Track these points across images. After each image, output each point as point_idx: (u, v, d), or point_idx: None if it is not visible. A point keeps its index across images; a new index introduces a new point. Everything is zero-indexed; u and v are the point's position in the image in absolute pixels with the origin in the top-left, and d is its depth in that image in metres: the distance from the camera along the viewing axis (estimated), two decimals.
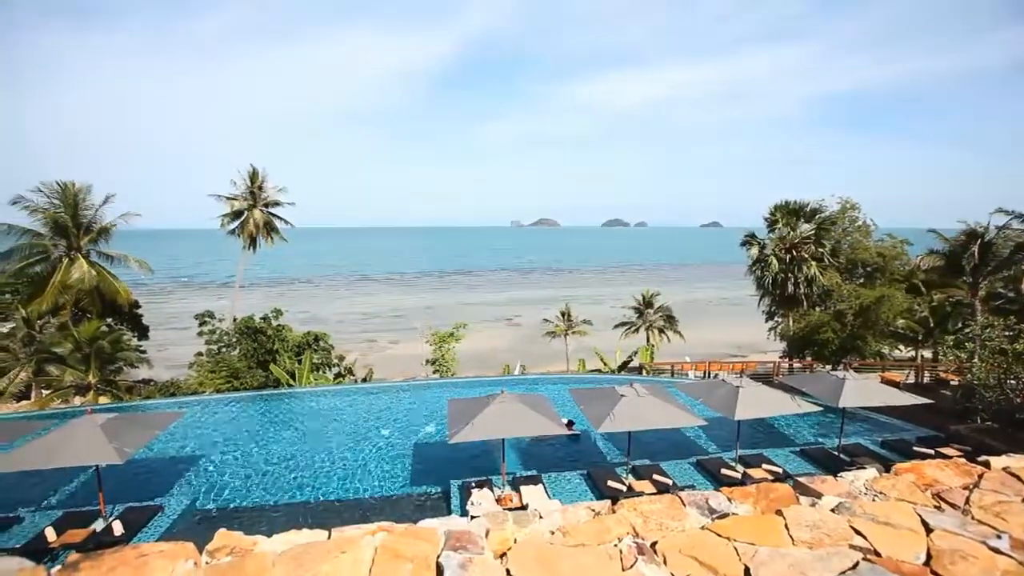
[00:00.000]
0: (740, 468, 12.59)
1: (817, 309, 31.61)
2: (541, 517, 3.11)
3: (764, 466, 12.54)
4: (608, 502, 3.40)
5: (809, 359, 28.18)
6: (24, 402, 25.23)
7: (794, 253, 32.94)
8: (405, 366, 39.00)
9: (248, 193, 39.12)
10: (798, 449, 14.26)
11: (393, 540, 2.72)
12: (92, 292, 28.54)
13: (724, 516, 3.19)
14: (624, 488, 11.55)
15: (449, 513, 10.89)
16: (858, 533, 3.63)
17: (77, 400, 24.33)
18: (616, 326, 42.57)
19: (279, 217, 40.54)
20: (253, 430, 16.73)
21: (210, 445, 15.28)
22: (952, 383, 19.62)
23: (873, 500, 4.23)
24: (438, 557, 2.61)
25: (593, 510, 3.25)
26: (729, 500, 3.29)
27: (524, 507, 10.43)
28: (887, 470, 5.36)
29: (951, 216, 29.61)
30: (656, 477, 11.95)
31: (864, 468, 6.27)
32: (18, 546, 9.58)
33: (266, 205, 39.69)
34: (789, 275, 32.65)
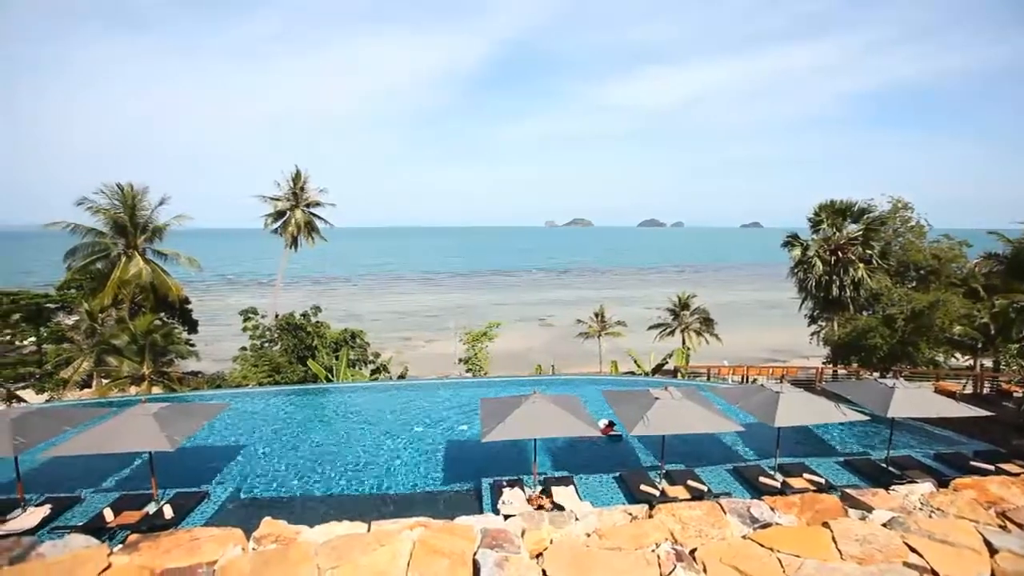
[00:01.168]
0: (779, 477, 12.16)
1: (864, 313, 30.19)
2: (577, 519, 3.09)
3: (805, 475, 12.07)
4: (645, 506, 3.34)
5: (855, 365, 26.96)
6: (86, 390, 26.91)
7: (840, 255, 31.57)
8: (439, 364, 39.52)
9: (291, 194, 40.46)
10: (842, 459, 13.64)
11: (430, 535, 2.76)
12: (147, 288, 30.18)
13: (767, 526, 3.08)
14: (657, 493, 11.34)
15: (480, 511, 10.96)
16: (913, 551, 3.44)
17: (133, 389, 25.76)
18: (650, 328, 41.88)
19: (319, 217, 41.77)
20: (292, 423, 17.30)
21: (252, 436, 15.89)
22: (1015, 394, 18.37)
23: (930, 516, 3.98)
24: (474, 554, 2.63)
25: (630, 514, 3.21)
26: (772, 509, 3.16)
27: (555, 508, 10.41)
28: (943, 485, 5.05)
29: (1007, 217, 27.83)
30: (690, 483, 11.68)
31: (916, 482, 5.93)
32: (80, 524, 10.21)
33: (307, 205, 40.96)
34: (834, 277, 31.31)
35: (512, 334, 52.97)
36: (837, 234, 32.16)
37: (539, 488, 11.53)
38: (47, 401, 23.48)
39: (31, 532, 9.85)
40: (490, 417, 10.99)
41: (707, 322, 40.29)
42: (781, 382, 12.73)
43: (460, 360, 32.90)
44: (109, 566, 2.67)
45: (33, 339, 30.95)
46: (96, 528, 9.82)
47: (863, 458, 13.67)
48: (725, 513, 3.17)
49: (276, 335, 29.73)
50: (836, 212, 32.65)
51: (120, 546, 2.85)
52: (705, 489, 11.47)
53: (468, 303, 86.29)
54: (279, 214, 40.46)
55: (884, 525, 3.27)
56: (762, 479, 11.99)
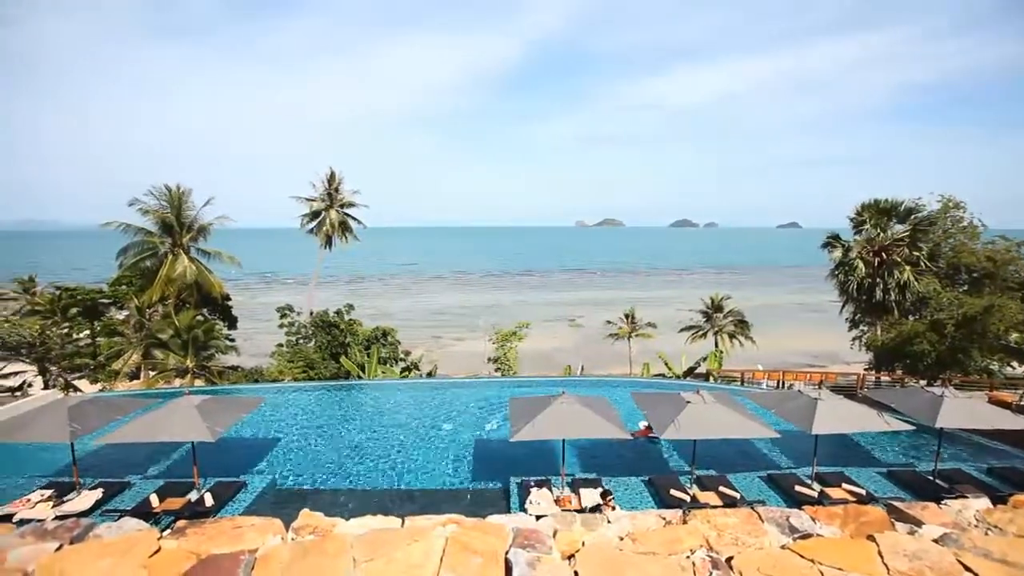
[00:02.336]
0: (816, 486, 11.75)
1: (910, 318, 28.80)
2: (609, 521, 3.06)
3: (844, 486, 11.62)
4: (679, 511, 3.28)
5: (900, 372, 25.76)
6: (135, 381, 28.28)
7: (884, 256, 30.22)
8: (468, 363, 39.79)
9: (326, 195, 41.49)
10: (884, 470, 13.05)
11: (463, 533, 2.79)
12: (191, 285, 31.51)
13: (807, 536, 2.97)
14: (687, 498, 11.13)
15: (508, 510, 10.99)
16: (968, 570, 3.24)
17: (177, 382, 26.93)
18: (682, 330, 41.06)
19: (353, 217, 42.67)
20: (325, 418, 17.76)
21: (287, 429, 16.39)
22: None
23: (986, 534, 3.76)
24: (506, 553, 2.64)
25: (663, 518, 3.15)
26: (813, 520, 3.04)
27: (583, 510, 10.34)
28: (999, 501, 4.76)
29: None
30: (722, 489, 11.41)
31: (968, 497, 5.61)
32: (128, 508, 10.74)
33: (342, 206, 41.90)
34: (877, 280, 29.98)
35: (541, 334, 52.88)
36: (881, 235, 30.77)
37: (567, 489, 11.48)
38: (100, 391, 24.81)
39: (85, 514, 10.44)
40: (519, 417, 11.02)
41: (741, 325, 39.22)
42: (819, 388, 12.29)
43: (489, 359, 33.05)
44: (159, 549, 2.81)
45: (88, 332, 32.78)
46: (143, 512, 10.34)
47: (908, 470, 13.06)
48: (763, 521, 3.07)
49: (311, 332, 30.55)
50: (880, 212, 31.23)
51: (168, 531, 2.99)
52: (737, 496, 11.19)
53: (498, 302, 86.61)
54: (315, 214, 41.54)
55: (935, 541, 3.10)
56: (798, 488, 11.61)
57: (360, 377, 26.01)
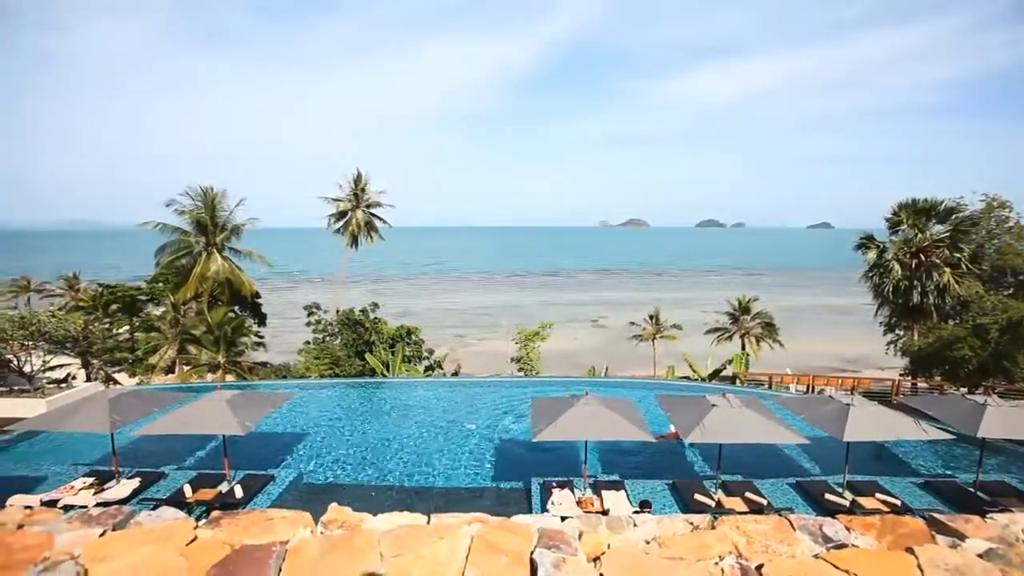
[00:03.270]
0: (848, 495, 11.39)
1: (950, 322, 27.65)
2: (635, 525, 3.03)
3: (877, 495, 11.24)
4: (707, 516, 3.22)
5: (938, 379, 24.77)
6: (170, 376, 29.31)
7: (922, 258, 29.07)
8: (491, 363, 39.93)
9: (352, 195, 42.20)
10: (921, 481, 12.56)
11: (488, 532, 2.81)
12: (224, 283, 32.49)
13: (841, 546, 2.87)
14: (712, 503, 10.94)
15: (529, 510, 11.00)
16: None
17: (209, 376, 27.79)
18: (708, 332, 40.35)
19: (379, 217, 43.29)
20: (350, 414, 18.07)
21: (313, 425, 16.74)
22: None
23: None
24: (531, 553, 2.65)
25: (691, 523, 3.10)
26: (847, 529, 2.95)
27: (605, 512, 10.26)
28: None
29: None
30: (749, 495, 11.17)
31: (1013, 511, 5.34)
32: (164, 497, 11.15)
33: (368, 206, 42.55)
34: (915, 282, 28.85)
35: (564, 334, 52.68)
36: (919, 235, 29.61)
37: (589, 491, 11.42)
38: (138, 384, 25.81)
39: (124, 501, 10.88)
40: (541, 417, 11.00)
41: (769, 327, 38.31)
42: (851, 393, 11.89)
43: (512, 359, 33.09)
44: (195, 538, 2.91)
45: (127, 328, 34.13)
46: (177, 502, 10.69)
47: (947, 481, 12.54)
48: (794, 529, 2.99)
49: (337, 330, 31.11)
50: (918, 211, 30.03)
51: (204, 520, 3.09)
52: (765, 503, 10.95)
53: (521, 302, 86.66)
54: (341, 214, 42.29)
55: (980, 556, 2.96)
56: (828, 496, 11.29)
57: (385, 375, 26.37)
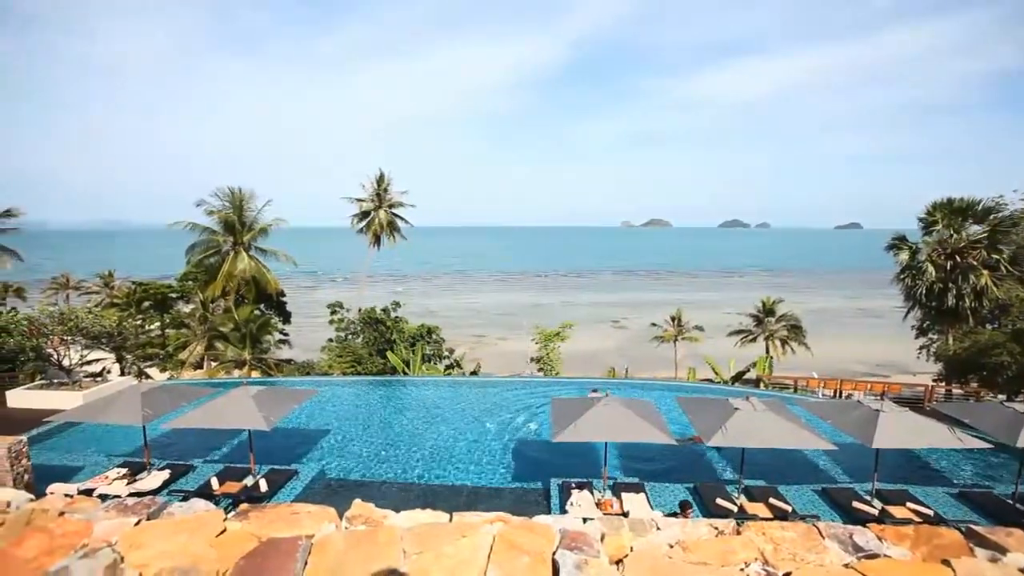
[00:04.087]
0: (877, 504, 11.07)
1: (988, 326, 26.60)
2: (659, 528, 3.00)
3: (909, 505, 10.89)
4: (732, 521, 3.17)
5: (975, 386, 23.86)
6: (199, 371, 30.13)
7: (958, 259, 28.04)
8: (511, 362, 39.98)
9: (375, 195, 42.75)
10: (955, 491, 12.11)
11: (510, 531, 2.81)
12: (250, 281, 33.26)
13: (873, 556, 2.79)
14: (735, 509, 10.75)
15: (548, 510, 10.98)
16: None
17: (236, 372, 28.48)
18: (731, 334, 39.67)
19: (401, 217, 43.75)
20: (371, 412, 18.30)
21: (335, 422, 17.01)
22: None
23: None
24: (554, 554, 2.65)
25: (716, 528, 3.05)
26: (879, 539, 2.85)
27: (625, 514, 10.18)
28: None
29: None
30: (772, 501, 10.95)
31: None
32: (192, 489, 11.47)
33: (390, 206, 43.05)
34: (950, 285, 27.84)
35: (585, 335, 52.39)
36: (955, 236, 28.55)
37: (608, 493, 11.34)
38: (168, 379, 26.59)
39: (154, 492, 11.23)
40: (561, 417, 10.97)
41: (795, 330, 37.45)
42: (881, 399, 11.55)
43: (532, 359, 33.06)
44: (224, 530, 2.99)
45: (158, 324, 35.22)
46: (205, 494, 10.99)
47: (983, 491, 12.07)
48: (823, 537, 2.91)
49: (359, 328, 31.54)
50: (955, 211, 28.95)
51: (233, 513, 3.17)
52: (789, 509, 10.72)
53: (541, 302, 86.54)
54: (364, 214, 42.88)
55: (1022, 571, 2.84)
56: (856, 504, 10.98)
57: (405, 373, 26.63)
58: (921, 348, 31.80)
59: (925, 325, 31.29)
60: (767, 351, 36.55)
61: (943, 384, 26.44)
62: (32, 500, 3.46)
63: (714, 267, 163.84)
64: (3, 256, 35.15)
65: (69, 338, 20.33)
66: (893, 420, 10.53)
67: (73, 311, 21.54)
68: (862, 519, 10.21)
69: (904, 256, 29.81)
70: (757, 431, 10.41)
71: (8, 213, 34.95)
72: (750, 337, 38.33)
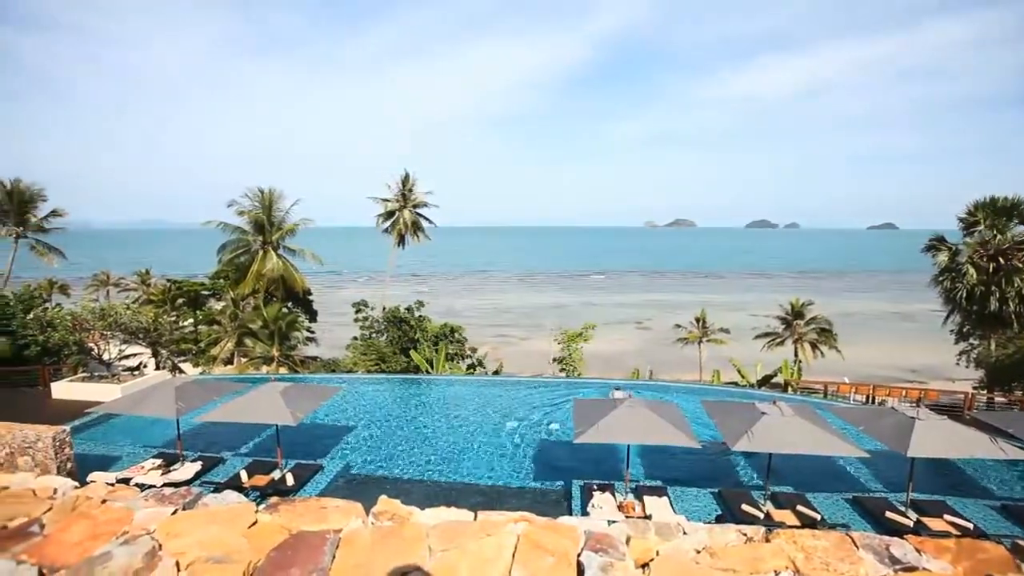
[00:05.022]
0: (912, 514, 10.67)
1: None
2: (685, 532, 2.96)
3: (946, 517, 10.47)
4: (761, 528, 3.10)
5: (1020, 394, 22.82)
6: (229, 367, 31.01)
7: (1001, 261, 26.83)
8: (533, 363, 39.95)
9: (400, 195, 43.29)
10: (997, 504, 11.60)
11: (534, 531, 2.82)
12: (278, 280, 34.09)
13: (911, 569, 2.68)
14: (761, 515, 10.52)
15: (569, 511, 10.94)
16: None
17: (264, 369, 29.20)
18: (757, 336, 38.83)
19: (425, 217, 44.21)
20: (395, 410, 18.53)
21: (359, 418, 17.28)
22: None
23: None
24: (578, 555, 2.64)
25: (744, 534, 3.00)
26: (918, 552, 2.75)
27: (647, 517, 10.06)
28: None
29: None
30: (800, 508, 10.67)
31: None
32: (222, 481, 11.81)
33: (415, 206, 43.53)
34: (992, 288, 26.66)
35: (607, 336, 52.01)
36: (999, 237, 27.33)
37: (630, 495, 11.24)
38: (200, 374, 27.45)
39: (187, 483, 11.60)
40: (583, 418, 10.92)
41: (825, 333, 36.42)
42: (917, 406, 11.13)
43: (554, 359, 32.98)
44: (256, 522, 3.07)
45: (191, 320, 36.40)
46: (235, 486, 11.30)
47: None
48: (858, 548, 2.82)
49: (383, 327, 31.97)
50: (998, 211, 27.70)
51: (264, 505, 3.26)
52: (818, 518, 10.43)
53: (564, 303, 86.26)
54: (389, 214, 43.46)
55: None
56: (890, 515, 10.61)
57: (428, 372, 26.87)
58: (961, 354, 30.55)
59: (965, 330, 30.05)
60: (795, 355, 35.67)
61: (984, 392, 25.38)
62: (77, 487, 3.62)
63: (740, 268, 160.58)
64: (50, 254, 36.87)
65: (109, 333, 21.19)
66: (930, 428, 10.15)
67: (113, 307, 22.43)
68: (896, 530, 9.87)
69: (943, 258, 28.70)
70: (785, 436, 10.17)
71: (54, 213, 36.66)
72: (778, 340, 37.45)
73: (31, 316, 25.11)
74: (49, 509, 3.23)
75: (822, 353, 36.11)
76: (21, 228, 35.20)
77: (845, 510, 11.25)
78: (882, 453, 11.40)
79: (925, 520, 10.37)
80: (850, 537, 2.84)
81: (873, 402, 24.53)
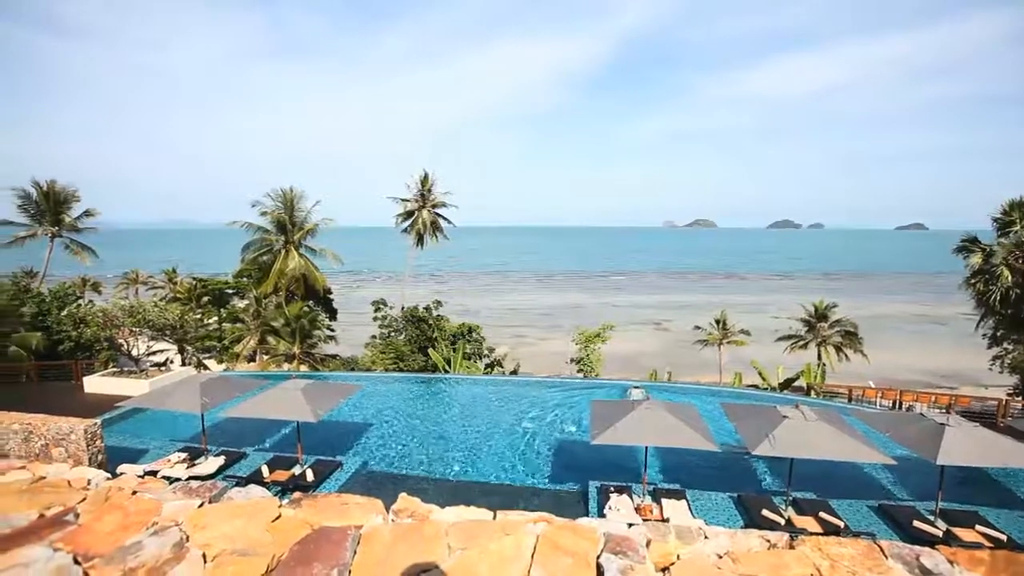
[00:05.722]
0: (941, 524, 10.35)
1: None
2: (706, 537, 2.92)
3: (978, 528, 10.13)
4: (784, 535, 3.04)
5: None
6: (252, 363, 31.63)
7: None
8: (550, 363, 39.90)
9: (419, 195, 43.61)
10: None
11: (553, 532, 2.82)
12: (300, 278, 34.67)
13: None
14: (782, 521, 10.32)
15: (586, 513, 10.88)
16: None
17: (285, 366, 29.72)
18: (779, 339, 38.10)
19: (444, 217, 44.45)
20: (412, 408, 18.68)
21: (378, 416, 17.47)
22: None
23: None
24: (598, 558, 2.63)
25: (767, 540, 2.95)
26: (950, 562, 2.66)
27: (665, 520, 9.96)
28: None
29: None
30: (823, 515, 10.43)
31: None
32: (244, 476, 12.06)
33: (433, 206, 43.80)
34: None
35: (625, 337, 51.61)
36: None
37: (648, 498, 11.13)
38: (224, 370, 28.06)
39: (211, 476, 11.88)
40: (600, 419, 10.85)
41: (850, 336, 35.53)
42: (947, 412, 10.79)
43: (572, 360, 32.87)
44: (279, 516, 3.14)
45: (216, 318, 37.26)
46: (257, 481, 11.53)
47: None
48: (886, 557, 2.74)
49: (401, 326, 32.27)
50: None
51: (287, 500, 3.32)
52: (841, 525, 10.18)
53: (582, 303, 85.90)
54: (408, 214, 43.82)
55: None
56: (917, 524, 10.31)
57: (446, 371, 27.02)
58: (994, 359, 29.52)
59: (999, 334, 29.00)
60: (819, 358, 34.89)
61: (1019, 398, 24.47)
62: (109, 479, 3.74)
63: (762, 269, 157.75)
64: (83, 253, 38.11)
65: (137, 330, 21.82)
66: (961, 435, 9.83)
67: (141, 304, 23.08)
68: (924, 540, 9.60)
69: (976, 259, 27.75)
70: (807, 441, 9.96)
71: (87, 213, 37.89)
72: (800, 343, 36.67)
73: (65, 313, 26.03)
74: (83, 499, 3.34)
75: (847, 357, 35.25)
76: (56, 228, 36.47)
77: (870, 518, 10.97)
78: (909, 460, 11.07)
79: (956, 531, 10.05)
80: (878, 546, 2.76)
81: (900, 407, 23.86)
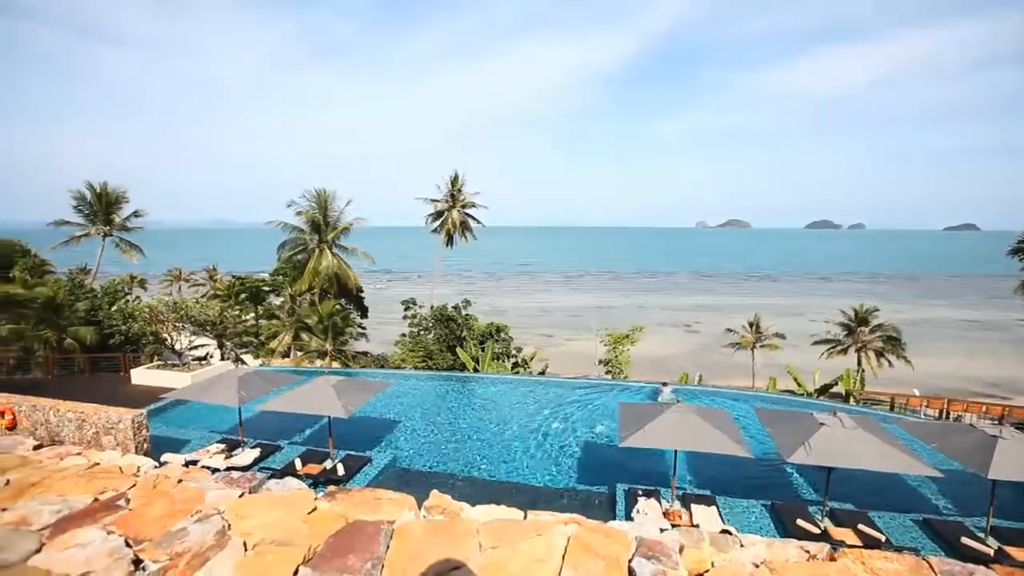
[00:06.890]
0: (993, 542, 9.80)
1: None
2: (742, 545, 2.86)
3: None
4: (825, 546, 2.94)
5: None
6: (286, 359, 32.59)
7: None
8: (578, 364, 39.66)
9: (449, 196, 44.09)
10: None
11: (585, 534, 2.81)
12: (332, 277, 35.53)
13: None
14: (818, 531, 9.97)
15: (613, 516, 10.77)
16: None
17: (318, 362, 30.49)
18: (816, 343, 36.84)
19: (473, 217, 44.80)
20: (441, 406, 18.88)
21: (407, 414, 17.73)
22: None
23: None
24: (630, 562, 2.61)
25: (806, 551, 2.86)
26: None
27: (695, 526, 9.77)
28: None
29: None
30: (862, 527, 10.03)
31: None
32: (278, 468, 12.43)
33: (463, 206, 44.20)
34: None
35: (655, 339, 50.86)
36: None
37: (677, 503, 10.94)
38: (260, 365, 29.01)
39: (247, 468, 12.29)
40: (629, 422, 10.73)
41: (892, 341, 34.05)
42: (1000, 423, 10.22)
43: (600, 361, 32.60)
44: (315, 508, 3.23)
45: (253, 315, 38.55)
46: (290, 473, 11.87)
47: None
48: (936, 574, 2.62)
49: (431, 324, 32.65)
50: None
51: (322, 493, 3.42)
52: (882, 539, 9.77)
53: (611, 304, 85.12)
54: (438, 214, 44.35)
55: None
56: (965, 541, 9.79)
57: (475, 370, 27.21)
58: None
59: None
60: (859, 363, 33.57)
61: None
62: (156, 467, 3.93)
63: (799, 271, 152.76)
64: (131, 251, 40.07)
65: (180, 325, 22.78)
66: (1015, 448, 9.29)
67: (184, 301, 24.10)
68: (974, 558, 9.12)
69: None
70: (846, 450, 9.59)
71: (136, 214, 39.81)
72: (839, 348, 35.38)
73: (115, 308, 27.39)
74: (133, 485, 3.52)
75: (889, 363, 33.81)
76: (108, 227, 38.43)
77: (914, 532, 10.49)
78: (957, 473, 10.55)
79: (1009, 549, 9.51)
80: (927, 562, 2.63)
81: (947, 417, 22.73)
